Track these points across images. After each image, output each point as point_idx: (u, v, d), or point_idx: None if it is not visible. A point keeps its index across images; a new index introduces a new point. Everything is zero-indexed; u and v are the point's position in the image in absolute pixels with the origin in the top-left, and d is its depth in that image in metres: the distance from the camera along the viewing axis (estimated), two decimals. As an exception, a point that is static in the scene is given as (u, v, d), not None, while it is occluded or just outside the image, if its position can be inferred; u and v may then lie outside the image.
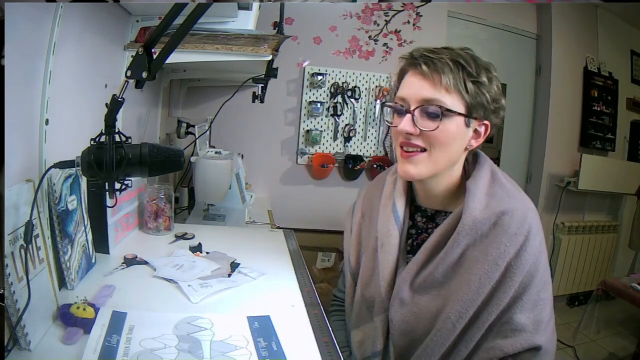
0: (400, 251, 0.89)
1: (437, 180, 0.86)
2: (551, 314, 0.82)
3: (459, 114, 0.78)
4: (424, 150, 0.80)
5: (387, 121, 0.88)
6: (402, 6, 2.58)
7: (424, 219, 0.92)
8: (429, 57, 0.78)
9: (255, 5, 1.31)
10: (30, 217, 0.70)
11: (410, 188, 0.94)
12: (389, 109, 0.86)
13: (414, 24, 2.61)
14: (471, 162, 0.89)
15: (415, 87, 0.79)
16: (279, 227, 1.66)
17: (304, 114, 2.56)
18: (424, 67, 0.78)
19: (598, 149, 3.05)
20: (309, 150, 2.59)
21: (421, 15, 2.60)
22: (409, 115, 0.79)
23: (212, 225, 1.60)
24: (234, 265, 1.11)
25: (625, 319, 2.65)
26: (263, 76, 1.83)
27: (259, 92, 2.02)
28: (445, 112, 0.77)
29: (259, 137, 2.54)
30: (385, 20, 2.59)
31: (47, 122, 0.86)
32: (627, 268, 3.04)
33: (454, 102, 0.78)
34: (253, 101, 2.02)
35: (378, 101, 2.57)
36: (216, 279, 1.01)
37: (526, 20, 2.90)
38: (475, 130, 0.83)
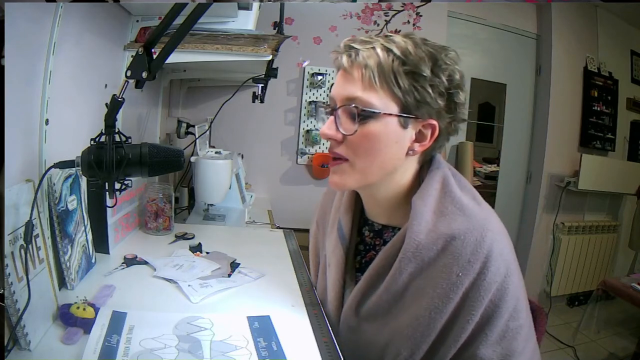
0: (348, 270, 0.81)
1: (377, 191, 0.75)
2: (527, 341, 0.70)
3: (388, 114, 0.67)
4: (345, 159, 0.71)
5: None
6: (402, 6, 2.58)
7: (371, 233, 0.82)
8: (354, 48, 0.68)
9: (255, 5, 1.31)
10: (30, 217, 0.70)
11: (358, 200, 0.84)
12: (321, 111, 0.79)
13: (414, 24, 2.61)
14: (426, 169, 0.76)
15: (340, 85, 0.70)
16: (279, 227, 1.66)
17: (304, 114, 2.56)
18: (345, 60, 0.68)
19: (598, 149, 3.05)
20: (309, 150, 2.59)
21: (421, 15, 2.60)
22: (331, 118, 0.70)
23: (212, 225, 1.60)
24: (234, 265, 1.11)
25: (625, 319, 2.65)
26: (263, 76, 1.83)
27: (259, 92, 2.02)
28: (363, 113, 0.67)
29: (259, 137, 2.54)
30: (385, 20, 2.59)
31: (47, 122, 0.86)
32: (627, 268, 3.04)
33: (382, 100, 0.67)
34: (253, 101, 2.02)
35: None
36: (216, 279, 1.01)
37: (526, 20, 2.90)
38: (420, 132, 0.71)
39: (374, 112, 0.67)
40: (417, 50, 0.68)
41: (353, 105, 0.68)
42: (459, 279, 0.66)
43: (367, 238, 0.84)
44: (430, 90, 0.68)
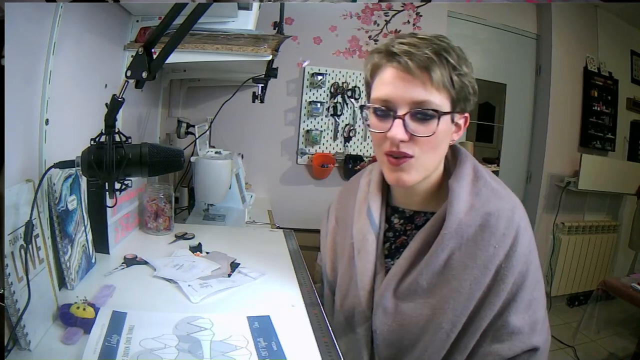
0: (378, 257, 0.84)
1: (422, 181, 0.80)
2: (545, 312, 0.79)
3: (448, 112, 0.73)
4: (412, 156, 0.74)
5: (368, 126, 0.78)
6: (402, 6, 2.58)
7: (401, 220, 0.86)
8: (412, 53, 0.70)
9: (255, 5, 1.31)
10: (30, 217, 0.70)
11: (385, 189, 0.89)
12: (367, 111, 0.78)
13: (414, 24, 2.61)
14: (450, 157, 0.84)
15: (401, 88, 0.72)
16: (279, 227, 1.66)
17: (304, 114, 2.56)
18: (411, 64, 0.70)
19: (598, 149, 3.05)
20: (309, 150, 2.60)
21: (421, 15, 2.60)
22: (399, 121, 0.72)
23: (212, 225, 1.60)
24: (234, 265, 1.11)
25: (625, 319, 2.65)
26: (263, 76, 1.83)
27: (259, 92, 2.02)
28: (434, 114, 0.71)
29: (259, 137, 2.54)
30: (385, 20, 2.59)
31: (47, 122, 0.86)
32: (627, 268, 3.04)
33: (442, 100, 0.72)
34: (253, 101, 2.02)
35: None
36: (216, 279, 1.01)
37: (526, 20, 2.90)
38: (456, 124, 0.78)
39: (445, 112, 0.73)
40: (458, 52, 0.75)
41: (431, 108, 0.71)
42: (495, 251, 0.73)
43: (397, 225, 0.87)
44: (470, 87, 0.75)
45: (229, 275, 1.05)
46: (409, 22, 2.61)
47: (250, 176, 2.41)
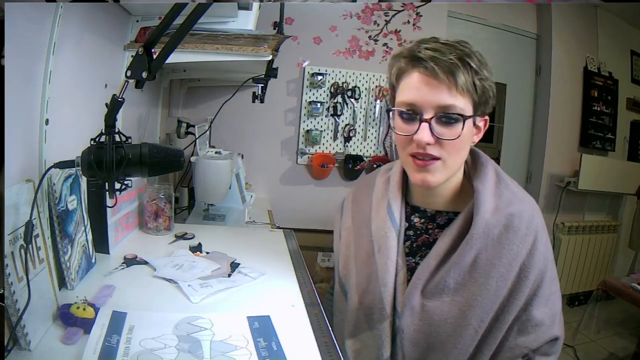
0: (399, 254, 0.85)
1: (446, 182, 0.82)
2: (561, 304, 0.85)
3: (471, 115, 0.76)
4: (438, 158, 0.77)
5: (394, 128, 0.81)
6: (402, 6, 2.58)
7: (422, 219, 0.88)
8: (437, 58, 0.73)
9: (255, 5, 1.31)
10: (30, 217, 0.70)
11: (405, 188, 0.91)
12: (393, 114, 0.80)
13: (414, 24, 2.61)
14: (470, 159, 0.87)
15: (427, 92, 0.74)
16: (279, 227, 1.66)
17: (304, 114, 2.56)
18: (437, 70, 0.72)
19: (598, 149, 3.05)
20: (309, 150, 2.59)
21: (421, 15, 2.60)
22: (425, 125, 0.74)
23: (212, 225, 1.60)
24: (234, 265, 1.11)
25: (625, 319, 2.65)
26: (263, 76, 1.83)
27: (259, 92, 2.02)
28: (460, 118, 0.74)
29: (259, 137, 2.54)
30: (385, 20, 2.59)
31: (47, 122, 0.86)
32: (627, 268, 3.04)
33: (466, 104, 0.75)
34: (253, 101, 2.02)
35: (378, 101, 2.58)
36: (216, 279, 1.01)
37: (526, 20, 2.90)
38: (477, 126, 0.81)
39: (469, 116, 0.75)
40: (479, 57, 0.77)
41: (457, 112, 0.74)
42: (519, 249, 0.77)
43: (418, 224, 0.88)
44: (491, 91, 0.79)
45: (229, 275, 1.05)
46: (409, 22, 2.61)
47: (250, 176, 2.41)
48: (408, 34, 2.60)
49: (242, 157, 2.25)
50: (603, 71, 3.03)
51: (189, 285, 0.96)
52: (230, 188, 1.73)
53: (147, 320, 0.79)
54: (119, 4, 1.19)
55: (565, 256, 2.93)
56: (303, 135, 2.58)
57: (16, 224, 0.69)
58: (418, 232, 0.88)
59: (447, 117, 0.74)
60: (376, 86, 2.58)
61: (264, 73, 1.80)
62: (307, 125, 2.58)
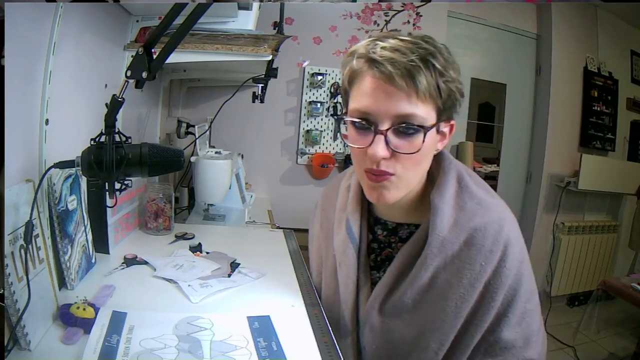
0: (361, 269, 0.81)
1: (404, 196, 0.75)
2: (540, 321, 0.76)
3: (434, 124, 0.67)
4: (392, 174, 0.69)
5: (345, 140, 0.71)
6: (402, 6, 2.58)
7: (384, 232, 0.82)
8: (395, 60, 0.63)
9: (255, 5, 1.31)
10: (30, 217, 0.70)
11: (365, 199, 0.81)
12: (345, 124, 0.70)
13: (414, 24, 2.61)
14: (434, 164, 0.77)
15: (383, 100, 0.65)
16: (279, 227, 1.66)
17: (304, 114, 2.56)
18: (395, 75, 0.63)
19: (598, 149, 3.05)
20: (309, 150, 2.59)
21: (421, 15, 2.60)
22: (380, 137, 0.65)
23: (212, 225, 1.60)
24: (234, 265, 1.11)
25: (625, 319, 2.65)
26: (263, 76, 1.83)
27: (259, 92, 2.02)
28: (420, 129, 0.65)
29: (259, 137, 2.54)
30: (385, 20, 2.59)
31: (47, 122, 0.86)
32: (627, 268, 3.04)
33: (428, 112, 0.66)
34: (253, 101, 2.02)
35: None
36: (216, 279, 1.01)
37: (526, 20, 2.90)
38: (441, 132, 0.72)
39: (430, 126, 0.66)
40: (445, 55, 0.67)
41: (417, 124, 0.65)
42: (482, 268, 0.70)
43: (380, 236, 0.83)
44: (457, 93, 0.69)
45: (229, 275, 1.05)
46: (409, 22, 2.61)
47: (250, 176, 2.40)
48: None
49: (242, 157, 2.25)
50: (603, 71, 3.03)
51: (189, 285, 0.96)
52: (230, 188, 1.73)
53: (147, 320, 0.79)
54: (119, 4, 1.19)
55: (565, 256, 2.93)
56: (303, 135, 2.58)
57: (16, 224, 0.69)
58: (382, 245, 0.83)
59: (405, 128, 0.65)
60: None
61: (264, 73, 1.80)
62: (307, 125, 2.58)
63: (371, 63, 0.66)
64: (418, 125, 0.65)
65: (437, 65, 0.65)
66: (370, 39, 0.70)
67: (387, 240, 0.83)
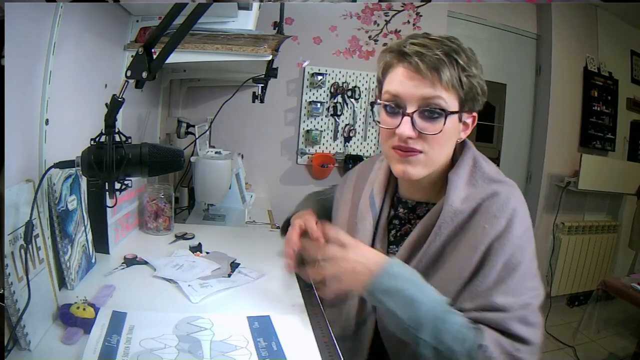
0: (377, 240, 0.87)
1: (427, 175, 0.81)
2: (540, 302, 0.74)
3: (456, 111, 0.76)
4: (420, 152, 0.76)
5: (377, 121, 0.82)
6: (402, 6, 2.58)
7: (405, 210, 0.89)
8: (422, 54, 0.73)
9: (255, 5, 1.31)
10: (30, 217, 0.70)
11: (392, 180, 0.91)
12: (378, 107, 0.82)
13: (414, 24, 2.61)
14: (458, 151, 0.86)
15: (411, 86, 0.74)
16: (278, 227, 1.66)
17: (304, 114, 2.56)
18: (421, 65, 0.73)
19: (598, 149, 3.05)
20: (309, 150, 2.60)
21: (421, 15, 2.60)
22: (407, 119, 0.75)
23: (212, 225, 1.60)
24: (234, 266, 1.11)
25: (625, 319, 2.65)
26: (263, 76, 1.83)
27: (259, 92, 2.02)
28: (443, 112, 0.74)
29: (259, 137, 2.54)
30: (385, 20, 2.59)
31: (47, 122, 0.86)
32: (627, 268, 3.04)
33: (450, 99, 0.75)
34: (253, 101, 2.02)
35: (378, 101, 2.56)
36: (216, 279, 1.01)
37: (526, 20, 2.90)
38: (464, 122, 0.81)
39: (453, 112, 0.75)
40: (469, 54, 0.76)
41: (439, 107, 0.74)
42: (484, 231, 0.73)
43: (401, 214, 0.90)
44: (479, 88, 0.77)
45: (229, 275, 1.05)
46: (409, 22, 2.61)
47: (250, 176, 2.41)
48: (408, 34, 2.60)
49: (242, 157, 2.25)
50: (603, 71, 3.03)
51: (189, 285, 0.96)
52: (230, 188, 1.73)
53: (147, 320, 0.79)
54: (119, 4, 1.19)
55: (565, 256, 2.93)
56: (303, 135, 2.58)
57: (16, 224, 0.69)
58: (402, 221, 0.89)
59: (429, 111, 0.74)
60: (376, 86, 2.58)
61: (264, 73, 1.80)
62: (307, 125, 2.58)
63: (402, 56, 0.76)
64: (440, 109, 0.74)
65: (460, 61, 0.74)
66: (404, 37, 0.80)
67: (406, 217, 0.89)
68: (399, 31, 2.60)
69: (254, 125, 2.50)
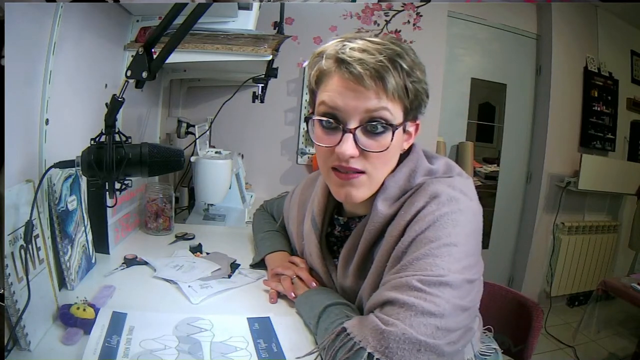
0: (327, 256, 0.88)
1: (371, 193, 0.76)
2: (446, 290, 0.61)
3: (401, 123, 0.69)
4: (362, 172, 0.70)
5: (313, 139, 0.72)
6: (402, 6, 2.58)
7: (339, 228, 0.88)
8: (364, 60, 0.65)
9: (255, 5, 1.31)
10: (30, 217, 0.70)
11: (331, 196, 0.83)
12: (314, 123, 0.70)
13: (414, 24, 2.61)
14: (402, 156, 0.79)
15: (352, 98, 0.66)
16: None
17: (304, 114, 2.56)
18: (364, 74, 0.64)
19: (598, 149, 3.05)
20: (309, 150, 2.59)
21: (421, 15, 2.60)
22: (349, 135, 0.66)
23: (212, 225, 1.60)
24: (234, 266, 1.10)
25: (625, 319, 2.65)
26: (263, 76, 1.83)
27: (259, 92, 2.01)
28: (389, 127, 0.67)
29: (259, 137, 2.53)
30: (385, 20, 2.59)
31: (47, 122, 0.86)
32: (627, 268, 3.04)
33: (396, 110, 0.68)
34: (253, 101, 2.01)
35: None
36: (216, 280, 1.01)
37: (526, 20, 2.90)
38: (407, 132, 0.74)
39: (397, 125, 0.68)
40: (412, 56, 0.70)
41: (385, 122, 0.67)
42: (401, 217, 0.69)
43: (337, 232, 0.89)
44: (423, 93, 0.71)
45: (229, 276, 1.05)
46: (409, 22, 2.60)
47: (250, 176, 2.40)
48: (408, 34, 2.60)
49: (242, 157, 2.25)
50: (603, 71, 3.03)
51: (189, 286, 0.95)
52: (230, 188, 1.73)
53: (147, 321, 0.79)
54: (119, 4, 1.19)
55: (565, 256, 2.93)
56: (303, 135, 2.58)
57: (16, 224, 0.69)
58: (339, 240, 0.89)
59: (374, 127, 0.67)
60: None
61: (264, 73, 1.80)
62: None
63: (340, 63, 0.68)
64: (387, 124, 0.67)
65: (405, 66, 0.67)
66: (338, 39, 0.71)
67: (342, 236, 0.88)
68: (399, 31, 2.60)
69: (254, 125, 2.50)
